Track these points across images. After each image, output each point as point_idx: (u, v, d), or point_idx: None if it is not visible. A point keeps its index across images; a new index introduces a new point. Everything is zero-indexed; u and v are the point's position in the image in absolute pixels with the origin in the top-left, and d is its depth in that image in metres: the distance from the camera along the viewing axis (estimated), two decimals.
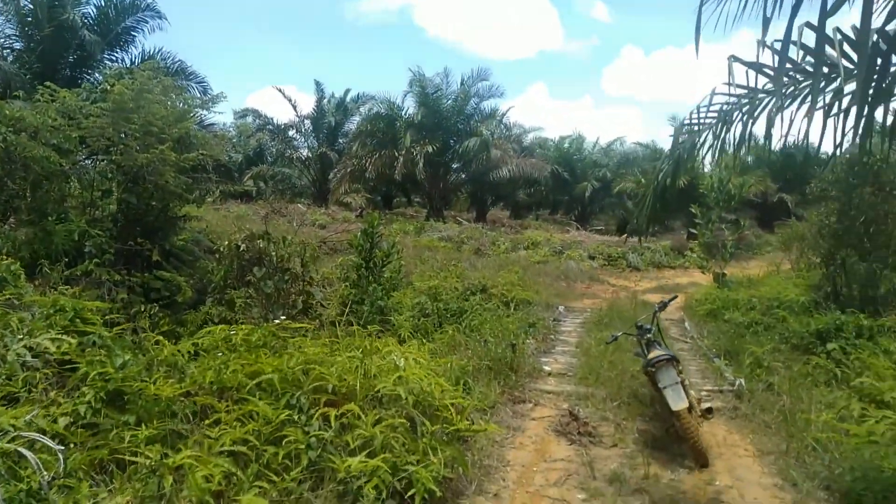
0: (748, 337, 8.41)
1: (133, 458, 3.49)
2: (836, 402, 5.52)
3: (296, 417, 4.01)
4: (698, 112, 3.82)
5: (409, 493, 3.71)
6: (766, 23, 2.63)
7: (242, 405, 4.09)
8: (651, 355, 5.24)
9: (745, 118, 3.57)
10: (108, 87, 9.25)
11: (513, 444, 5.20)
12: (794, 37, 2.80)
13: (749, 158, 24.06)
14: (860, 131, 2.74)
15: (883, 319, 7.30)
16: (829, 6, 2.34)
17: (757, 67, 3.42)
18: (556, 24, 73.31)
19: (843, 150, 8.19)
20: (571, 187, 29.96)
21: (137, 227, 9.12)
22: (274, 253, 7.58)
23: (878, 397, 5.33)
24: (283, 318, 5.25)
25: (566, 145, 32.19)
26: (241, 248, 7.47)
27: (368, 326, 8.04)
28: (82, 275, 7.98)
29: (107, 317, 5.65)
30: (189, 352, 5.05)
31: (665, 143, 38.98)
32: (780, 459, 4.85)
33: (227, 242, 7.70)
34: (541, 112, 66.58)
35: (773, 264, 14.68)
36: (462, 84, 26.08)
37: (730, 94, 3.72)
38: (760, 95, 3.51)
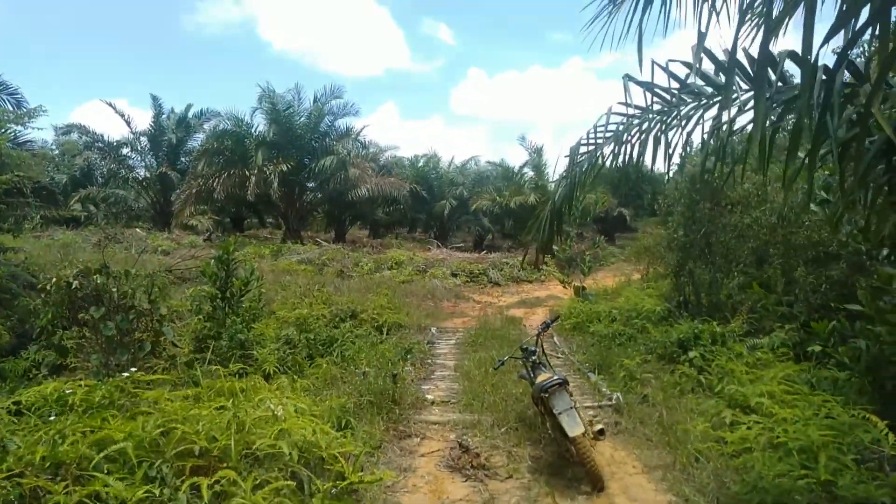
0: (615, 349, 8.75)
1: None
2: (707, 410, 5.78)
3: (157, 493, 3.33)
4: (595, 131, 3.80)
5: None
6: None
7: (87, 484, 3.32)
8: (539, 379, 5.15)
9: (639, 137, 3.57)
10: None
11: (405, 487, 4.82)
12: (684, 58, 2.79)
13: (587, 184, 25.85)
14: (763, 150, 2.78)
15: (731, 325, 7.90)
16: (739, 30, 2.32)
17: (649, 87, 3.44)
18: (402, 44, 74.47)
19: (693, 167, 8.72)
20: (430, 205, 30.26)
21: None
22: (115, 289, 6.55)
23: (744, 403, 5.66)
24: (133, 370, 4.43)
25: (422, 164, 32.52)
26: (74, 286, 6.37)
27: (229, 365, 7.31)
28: None
29: None
30: (9, 412, 4.11)
31: (513, 161, 40.83)
32: (667, 474, 4.94)
33: (54, 279, 6.53)
34: (393, 131, 67.25)
35: (623, 275, 15.67)
36: (315, 101, 25.37)
37: (625, 115, 3.73)
38: (651, 115, 3.55)
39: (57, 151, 31.18)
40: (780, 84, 3.03)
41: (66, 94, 71.21)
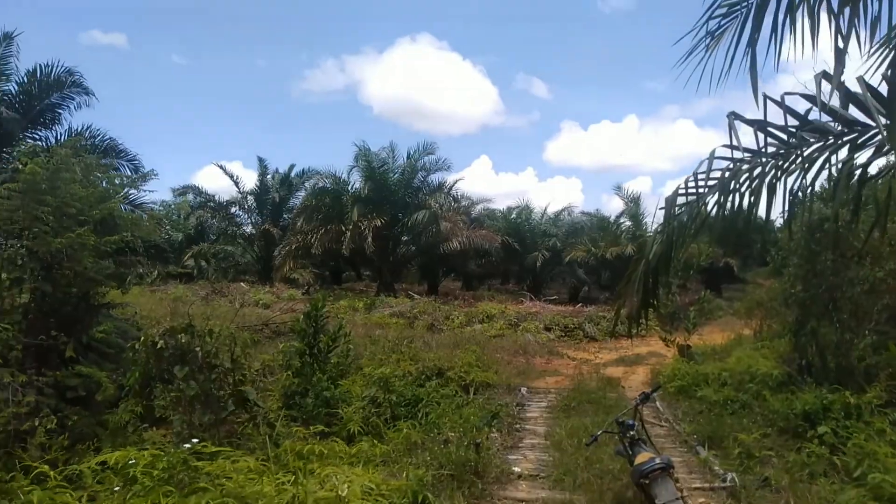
0: (727, 419, 7.83)
1: None
2: (848, 502, 4.87)
3: None
4: (696, 179, 3.30)
5: None
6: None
7: None
8: (639, 460, 4.53)
9: (749, 184, 3.05)
10: (20, 167, 8.47)
11: None
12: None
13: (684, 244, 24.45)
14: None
15: (868, 395, 6.82)
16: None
17: (762, 126, 2.93)
18: (496, 100, 75.79)
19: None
20: (522, 257, 29.74)
21: (52, 318, 8.10)
22: (199, 348, 6.60)
23: (893, 495, 4.72)
24: (194, 441, 4.29)
25: (514, 215, 32.20)
26: (160, 345, 6.47)
27: (312, 426, 7.15)
28: None
29: None
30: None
31: (609, 211, 39.81)
32: None
33: (141, 338, 6.68)
34: (487, 184, 67.67)
35: (733, 331, 14.39)
36: (408, 157, 25.97)
37: (731, 159, 3.22)
38: (764, 159, 3.02)
39: (173, 211, 33.70)
40: None
41: (187, 160, 77.88)
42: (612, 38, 75.08)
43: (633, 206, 28.09)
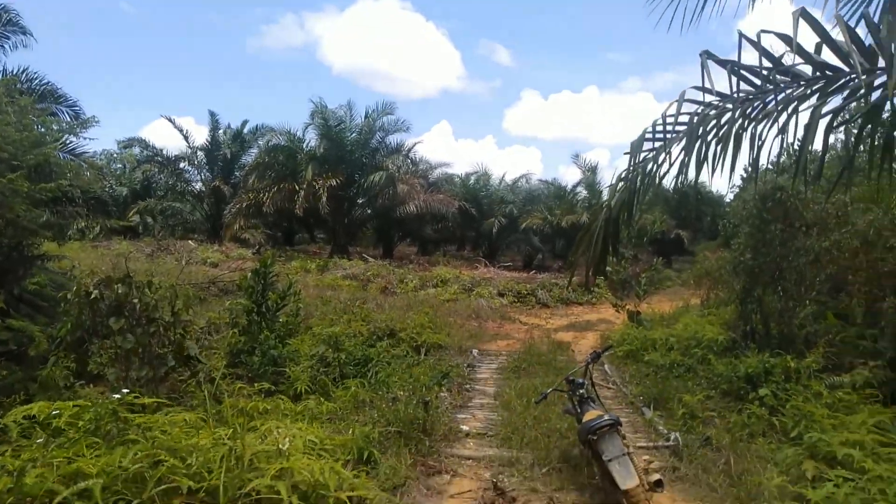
0: (673, 382, 7.96)
1: None
2: (784, 460, 4.98)
3: None
4: (664, 123, 3.14)
5: None
6: None
7: None
8: (587, 417, 4.51)
9: (716, 133, 2.92)
10: None
11: None
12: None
13: (649, 196, 24.73)
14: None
15: (807, 360, 7.01)
16: None
17: (734, 67, 2.80)
18: (458, 65, 74.78)
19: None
20: (479, 223, 29.72)
21: None
22: (137, 300, 6.26)
23: (828, 453, 4.84)
24: (125, 391, 4.03)
25: (472, 181, 32.05)
26: (94, 296, 6.10)
27: (257, 383, 6.93)
28: None
29: None
30: None
31: (566, 180, 40.00)
32: None
33: (74, 288, 6.29)
34: (446, 150, 67.15)
35: (682, 300, 14.69)
36: (367, 117, 25.35)
37: (701, 103, 3.08)
38: (731, 105, 2.89)
39: (118, 165, 32.22)
40: None
41: (135, 113, 74.57)
42: (576, 7, 74.77)
43: (590, 175, 28.31)
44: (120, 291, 6.13)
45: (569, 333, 13.88)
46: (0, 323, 7.21)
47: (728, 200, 29.05)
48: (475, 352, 11.05)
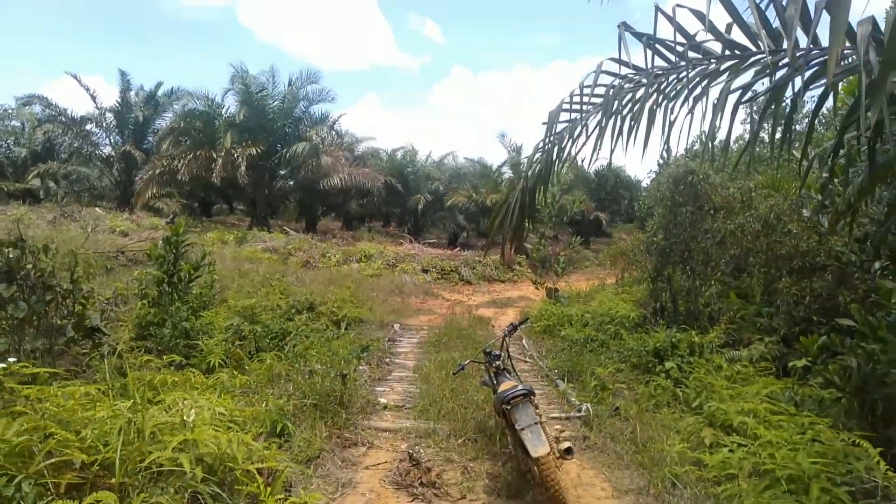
0: (587, 356, 8.23)
1: None
2: (685, 428, 5.27)
3: None
4: (581, 93, 3.16)
5: None
6: None
7: None
8: (503, 388, 4.57)
9: (631, 108, 2.97)
10: None
11: None
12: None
13: (570, 177, 25.35)
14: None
15: (710, 335, 7.42)
16: None
17: (650, 41, 2.84)
18: (389, 39, 73.56)
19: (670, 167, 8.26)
20: (404, 199, 29.54)
21: None
22: (31, 266, 5.80)
23: (725, 422, 5.15)
24: (11, 360, 3.73)
25: (399, 157, 31.76)
26: None
27: (167, 356, 6.62)
28: None
29: None
30: None
31: (492, 159, 40.30)
32: (640, 499, 4.40)
33: None
34: (373, 123, 66.07)
35: (598, 278, 15.21)
36: (290, 85, 24.47)
37: (616, 75, 3.11)
38: (646, 80, 2.94)
39: (17, 123, 29.72)
40: (812, 46, 2.47)
41: (37, 70, 68.82)
42: None
43: (515, 156, 28.64)
44: (11, 256, 5.65)
45: (490, 309, 14.10)
46: None
47: (645, 185, 30.29)
48: (397, 326, 11.03)
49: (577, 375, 7.49)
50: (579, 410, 6.29)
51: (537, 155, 3.33)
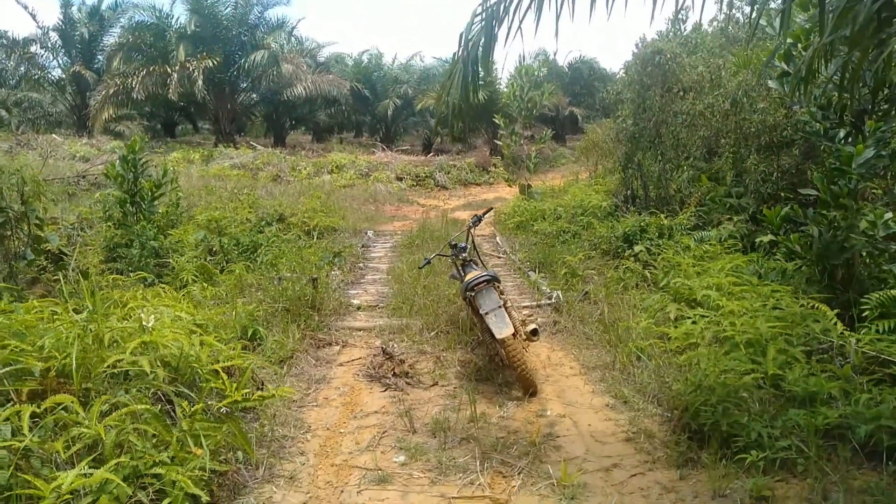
0: (559, 247, 8.29)
1: None
2: (651, 306, 5.38)
3: None
4: None
5: None
6: None
7: None
8: (468, 277, 4.58)
9: None
10: None
11: (315, 401, 4.27)
12: None
13: (543, 71, 24.60)
14: None
15: (679, 218, 7.47)
16: None
17: None
18: None
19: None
20: (373, 106, 28.64)
21: None
22: None
23: (689, 297, 5.26)
24: None
25: (365, 61, 30.51)
26: None
27: (135, 274, 6.54)
28: None
29: None
30: None
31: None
32: (607, 374, 4.55)
33: None
34: (338, 22, 62.58)
35: (572, 174, 15.13)
36: None
37: None
38: None
39: None
40: None
41: None
42: None
43: (483, 60, 27.65)
44: None
45: (466, 212, 14.05)
46: None
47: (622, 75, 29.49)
48: (370, 233, 10.99)
49: (549, 266, 7.58)
50: (550, 298, 6.39)
51: (477, 19, 3.13)
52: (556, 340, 5.44)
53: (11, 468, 2.59)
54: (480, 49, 3.10)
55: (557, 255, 7.76)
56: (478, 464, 3.30)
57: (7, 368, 2.94)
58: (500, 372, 4.54)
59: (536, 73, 15.55)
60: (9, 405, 2.81)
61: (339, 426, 3.85)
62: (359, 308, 6.46)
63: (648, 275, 6.43)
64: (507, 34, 2.96)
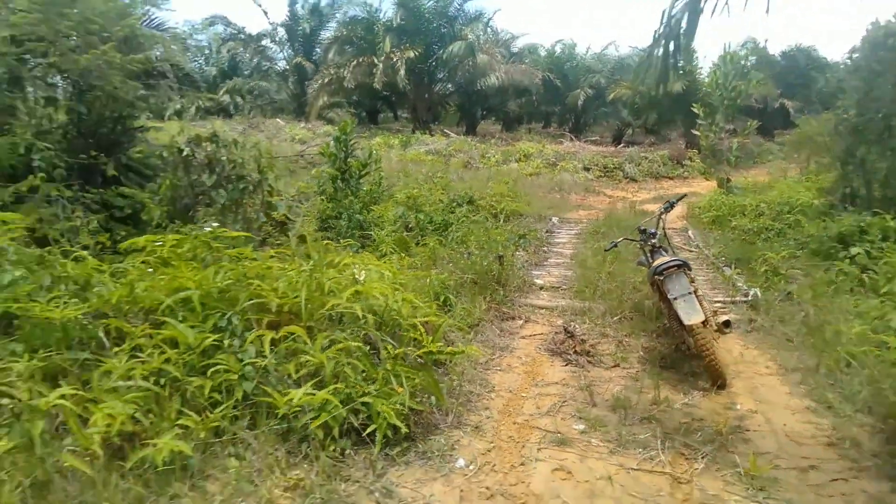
0: (759, 244, 7.67)
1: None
2: (868, 312, 4.81)
3: (226, 343, 3.26)
4: None
5: (368, 431, 3.02)
6: None
7: (164, 329, 3.32)
8: (657, 262, 4.47)
9: None
10: None
11: (499, 365, 4.51)
12: None
13: (751, 60, 22.49)
14: None
15: None
16: None
17: None
18: None
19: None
20: (564, 96, 28.33)
21: (90, 139, 8.18)
22: (225, 158, 6.62)
23: None
24: (215, 224, 4.40)
25: (558, 51, 30.29)
26: (186, 153, 6.50)
27: (343, 241, 7.33)
28: (28, 191, 7.13)
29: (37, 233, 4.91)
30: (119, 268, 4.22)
31: None
32: (808, 378, 4.19)
33: (168, 144, 6.72)
34: (533, 15, 62.61)
35: (780, 171, 13.78)
36: None
37: None
38: None
39: (206, 44, 32.78)
40: None
41: None
42: None
43: (686, 39, 25.97)
44: (209, 149, 6.48)
45: (654, 205, 13.46)
46: (114, 190, 7.86)
47: (843, 66, 25.96)
48: (555, 219, 11.05)
49: (746, 263, 7.06)
50: (746, 295, 5.98)
51: None
52: (751, 339, 5.09)
53: (255, 381, 3.14)
54: (684, 24, 3.00)
55: (757, 253, 7.19)
56: (659, 442, 3.28)
57: (252, 301, 3.53)
58: (686, 362, 4.40)
59: (743, 62, 14.29)
60: (252, 332, 3.40)
61: (521, 390, 4.03)
62: (542, 288, 6.60)
63: (867, 279, 5.72)
64: (714, 7, 2.84)
